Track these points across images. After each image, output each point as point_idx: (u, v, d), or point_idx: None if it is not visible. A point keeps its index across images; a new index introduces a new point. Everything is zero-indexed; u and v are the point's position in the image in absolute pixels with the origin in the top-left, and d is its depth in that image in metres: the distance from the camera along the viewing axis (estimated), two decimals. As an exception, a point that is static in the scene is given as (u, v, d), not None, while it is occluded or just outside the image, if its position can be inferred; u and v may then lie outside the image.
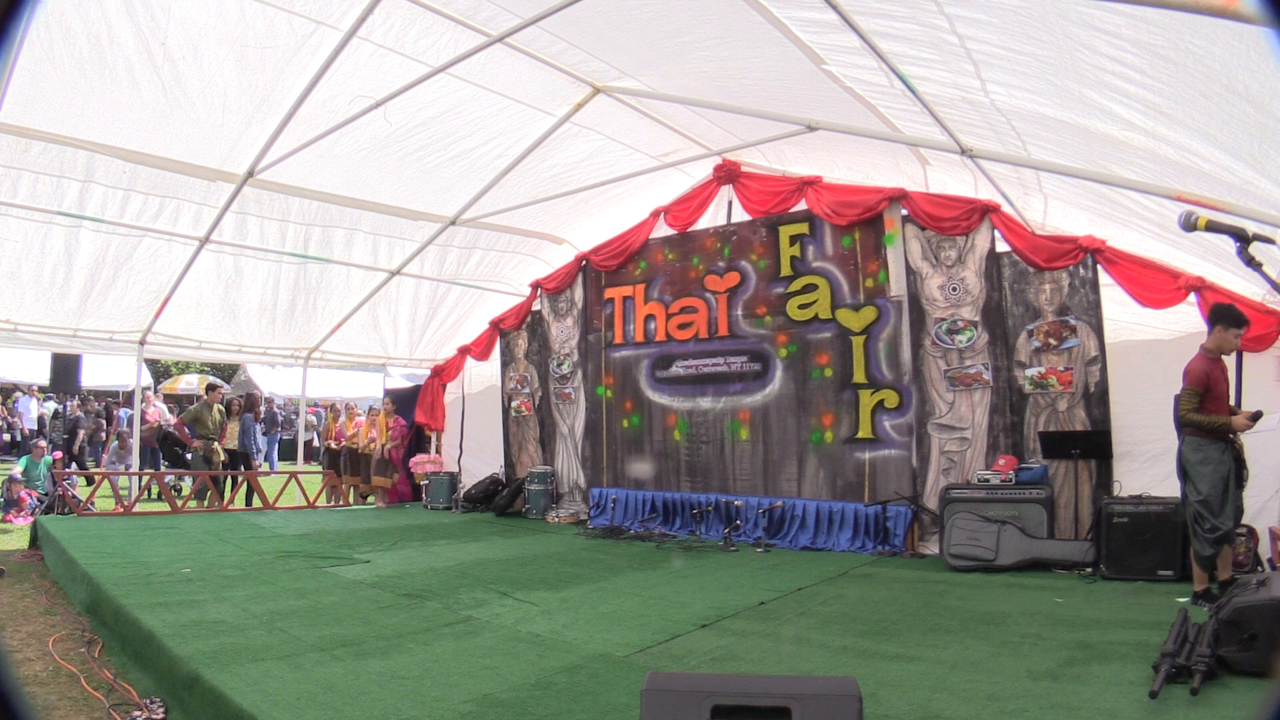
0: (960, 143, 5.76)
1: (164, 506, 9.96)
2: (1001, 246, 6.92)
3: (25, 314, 8.24)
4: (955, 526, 6.18)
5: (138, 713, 3.25)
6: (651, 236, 9.26)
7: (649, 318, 9.24)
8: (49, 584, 6.05)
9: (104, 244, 7.71)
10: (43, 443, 11.12)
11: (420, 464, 11.10)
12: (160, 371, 25.22)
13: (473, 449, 11.16)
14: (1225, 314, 4.86)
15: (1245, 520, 5.20)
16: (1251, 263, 2.24)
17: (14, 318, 8.22)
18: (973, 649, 3.87)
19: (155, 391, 18.90)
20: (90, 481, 11.28)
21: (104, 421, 17.18)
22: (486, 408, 11.03)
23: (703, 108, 6.84)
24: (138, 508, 9.60)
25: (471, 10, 5.50)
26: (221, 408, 10.94)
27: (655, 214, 9.17)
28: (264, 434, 15.84)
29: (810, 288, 8.01)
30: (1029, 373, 6.78)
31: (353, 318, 10.31)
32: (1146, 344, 6.29)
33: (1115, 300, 6.40)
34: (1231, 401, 5.02)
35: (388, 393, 11.94)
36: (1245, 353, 5.42)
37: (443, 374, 11.49)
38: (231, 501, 10.60)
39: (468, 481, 10.72)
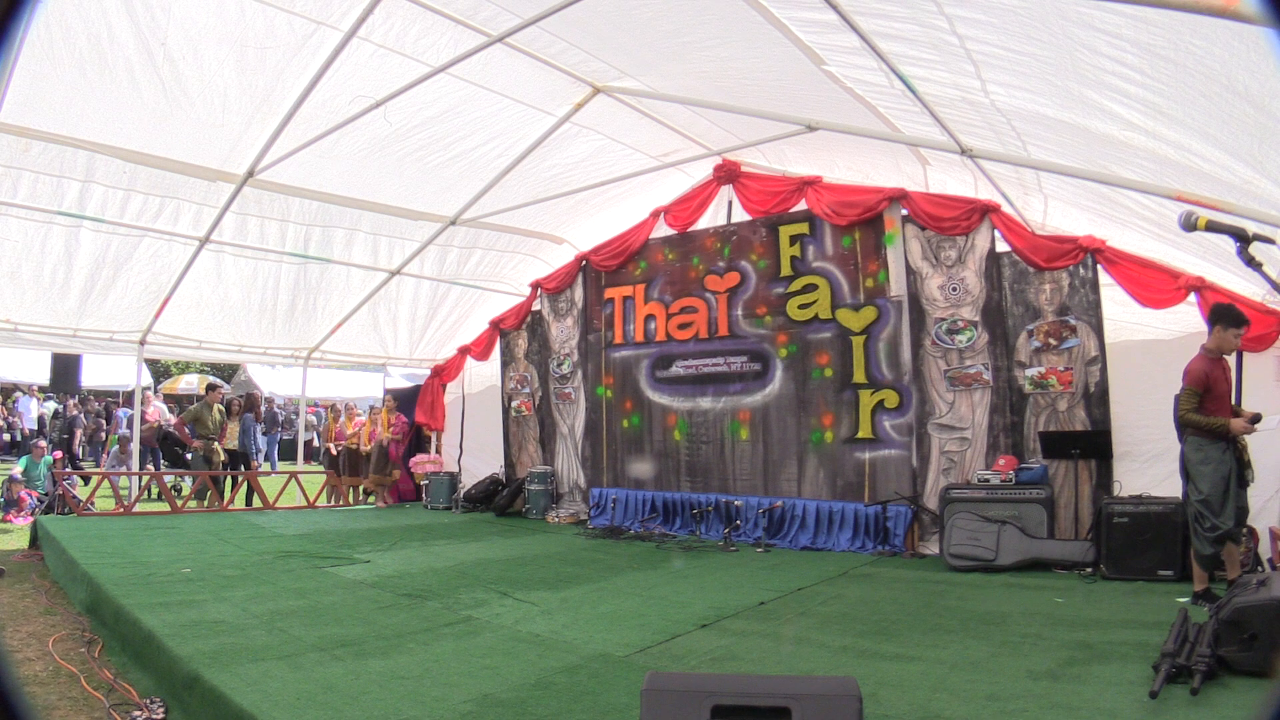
0: (960, 143, 5.76)
1: (164, 506, 9.96)
2: (1001, 246, 6.92)
3: (25, 314, 8.24)
4: (955, 526, 6.18)
5: (138, 713, 3.25)
6: (651, 236, 9.26)
7: (649, 318, 9.24)
8: (49, 584, 6.05)
9: (104, 244, 7.71)
10: (43, 443, 11.13)
11: (420, 464, 11.10)
12: (160, 371, 25.22)
13: (473, 449, 11.16)
14: (1225, 314, 4.86)
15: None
16: (1251, 263, 2.24)
17: (14, 318, 8.22)
18: (973, 649, 3.87)
19: (155, 391, 18.91)
20: (86, 481, 11.28)
21: (104, 421, 17.19)
22: (486, 408, 11.03)
23: (703, 108, 6.84)
24: (138, 508, 9.60)
25: (471, 10, 5.50)
26: (221, 408, 10.94)
27: (655, 214, 9.17)
28: (264, 434, 15.84)
29: (810, 288, 8.01)
30: (1029, 373, 6.78)
31: (353, 318, 10.31)
32: (1146, 344, 6.30)
33: (1115, 300, 6.40)
34: (1233, 402, 5.01)
35: (388, 392, 11.95)
36: (1245, 353, 5.42)
37: (443, 374, 11.49)
38: (231, 501, 10.60)
39: (468, 481, 10.72)
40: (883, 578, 5.98)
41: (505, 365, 10.76)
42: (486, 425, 10.98)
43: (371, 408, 11.92)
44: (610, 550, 7.32)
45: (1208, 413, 4.74)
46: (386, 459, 11.08)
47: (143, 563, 5.92)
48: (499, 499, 10.09)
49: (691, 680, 2.08)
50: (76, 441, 15.53)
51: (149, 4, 5.19)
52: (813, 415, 7.94)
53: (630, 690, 3.12)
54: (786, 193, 8.01)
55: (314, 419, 19.44)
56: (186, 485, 11.14)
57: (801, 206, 7.96)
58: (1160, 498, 5.68)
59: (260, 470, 13.40)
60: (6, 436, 17.79)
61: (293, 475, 11.21)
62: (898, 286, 7.47)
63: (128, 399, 17.92)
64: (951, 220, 7.06)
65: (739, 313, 8.51)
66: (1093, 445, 6.38)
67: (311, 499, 10.95)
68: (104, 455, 13.47)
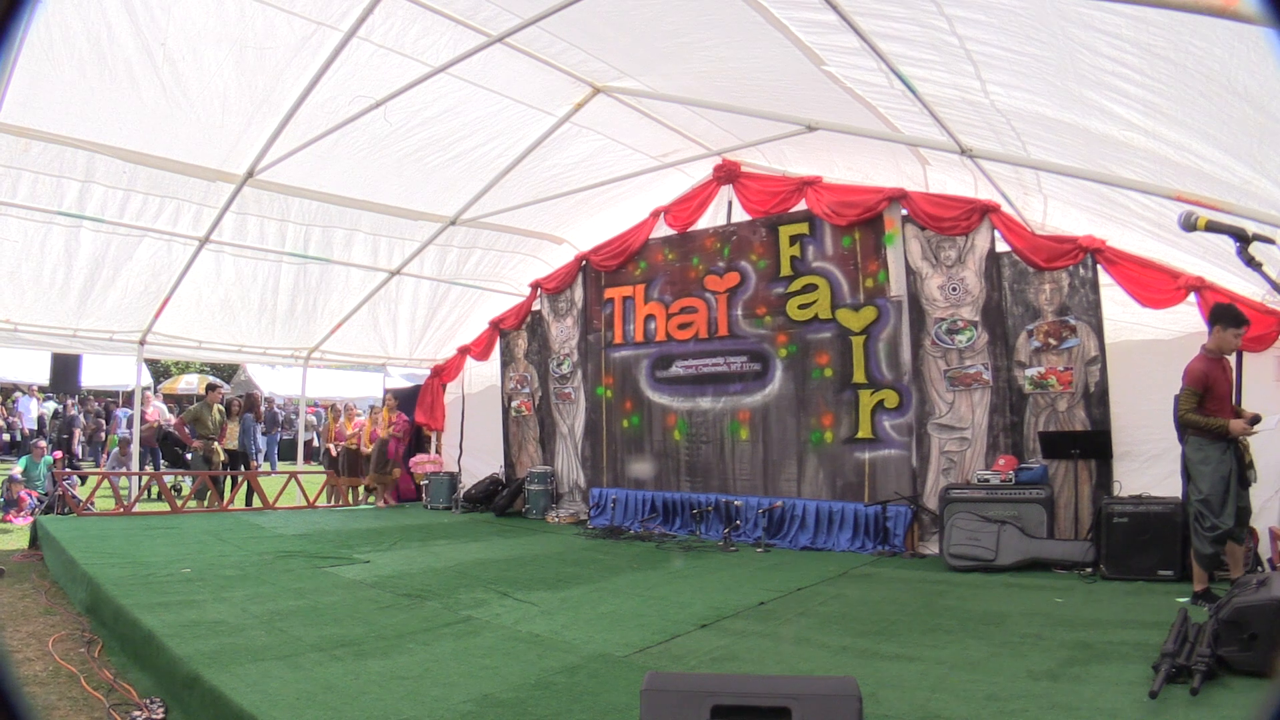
0: (960, 143, 5.76)
1: (164, 506, 9.96)
2: (1001, 246, 6.92)
3: (25, 314, 8.24)
4: (955, 526, 6.18)
5: (138, 713, 3.25)
6: (651, 236, 9.26)
7: (649, 318, 9.24)
8: (49, 584, 6.05)
9: (104, 244, 7.71)
10: (42, 443, 11.13)
11: (420, 464, 11.10)
12: (160, 371, 25.23)
13: (473, 449, 11.16)
14: (1224, 314, 4.86)
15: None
16: (1251, 263, 2.24)
17: (14, 318, 8.22)
18: (972, 649, 3.87)
19: (155, 391, 18.92)
20: (84, 480, 11.28)
21: (103, 421, 17.20)
22: (486, 408, 11.03)
23: (702, 108, 6.84)
24: (138, 508, 9.60)
25: (471, 10, 5.50)
26: (221, 408, 10.94)
27: (655, 214, 9.17)
28: (264, 434, 15.85)
29: (810, 288, 8.01)
30: (1029, 373, 6.78)
31: (353, 318, 10.31)
32: (1146, 344, 6.30)
33: (1115, 300, 6.40)
34: (1235, 403, 5.01)
35: (388, 392, 11.95)
36: (1245, 353, 5.42)
37: (443, 374, 11.49)
38: (231, 501, 10.60)
39: (467, 481, 10.72)
40: (882, 578, 5.98)
41: (505, 365, 10.76)
42: (486, 425, 10.98)
43: (372, 408, 11.92)
44: (610, 550, 7.32)
45: (1208, 413, 4.74)
46: (386, 459, 11.08)
47: (142, 563, 5.92)
48: (499, 499, 10.09)
49: (691, 680, 2.08)
50: (75, 441, 15.54)
51: (149, 4, 5.19)
52: (812, 415, 7.94)
53: (630, 690, 3.12)
54: (786, 193, 8.01)
55: (314, 419, 19.45)
56: (186, 485, 11.14)
57: (801, 206, 7.95)
58: (1160, 498, 5.68)
59: (260, 470, 13.40)
60: (6, 437, 17.80)
61: (292, 475, 11.21)
62: (897, 286, 7.47)
63: (128, 399, 17.93)
64: (951, 220, 7.06)
65: (739, 313, 8.51)
66: (1092, 445, 6.39)
67: (311, 499, 10.95)
68: (103, 456, 13.47)
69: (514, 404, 10.61)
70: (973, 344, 7.05)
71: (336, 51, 5.73)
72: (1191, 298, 5.85)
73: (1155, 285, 6.08)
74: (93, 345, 9.38)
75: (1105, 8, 3.33)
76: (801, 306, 8.05)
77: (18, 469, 10.24)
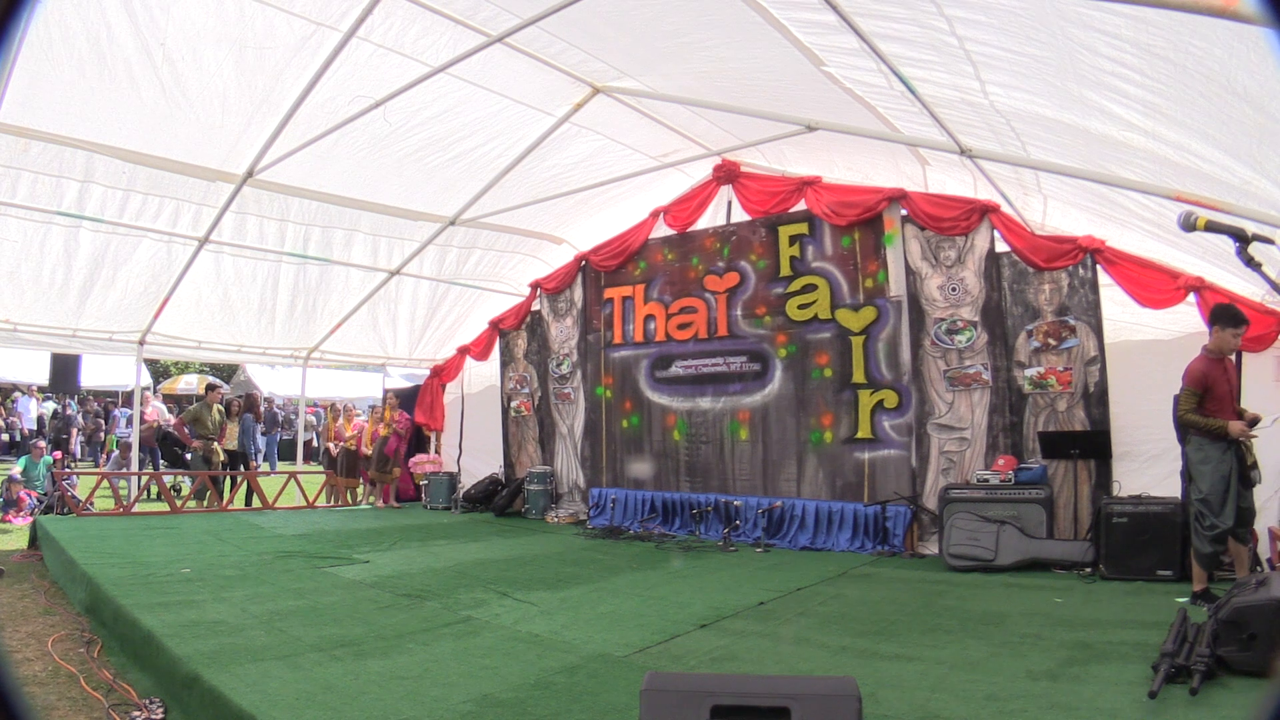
0: (959, 143, 5.76)
1: (163, 506, 9.96)
2: (1001, 247, 6.92)
3: (25, 314, 8.24)
4: (955, 526, 6.18)
5: (137, 713, 3.25)
6: (651, 236, 9.26)
7: (648, 318, 9.23)
8: (48, 584, 6.05)
9: (103, 244, 7.71)
10: (42, 443, 11.13)
11: (420, 464, 11.10)
12: (160, 371, 25.22)
13: (472, 449, 11.16)
14: (1224, 314, 4.86)
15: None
16: (1251, 263, 2.24)
17: (13, 318, 8.21)
18: (972, 649, 3.87)
19: (154, 392, 18.91)
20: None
21: (102, 421, 17.20)
22: (486, 408, 11.03)
23: (702, 108, 6.84)
24: (137, 508, 9.60)
25: (471, 10, 5.50)
26: (221, 408, 10.92)
27: (655, 214, 9.17)
28: (263, 434, 15.84)
29: (810, 288, 8.02)
30: (1028, 373, 6.78)
31: (352, 318, 10.31)
32: (1146, 344, 6.30)
33: (1115, 300, 6.40)
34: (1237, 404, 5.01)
35: (388, 392, 11.95)
36: (1245, 353, 5.43)
37: (442, 374, 11.49)
38: (231, 502, 10.59)
39: (467, 481, 10.72)
40: (882, 578, 5.98)
41: (504, 365, 10.76)
42: (486, 425, 10.98)
43: (372, 408, 11.91)
44: (609, 550, 7.32)
45: (1208, 413, 4.74)
46: (386, 458, 11.08)
47: (142, 563, 5.92)
48: (498, 499, 10.09)
49: (691, 680, 2.08)
50: (73, 441, 15.53)
51: (148, 4, 5.18)
52: (812, 415, 7.94)
53: (630, 690, 3.12)
54: (786, 193, 8.01)
55: (313, 419, 19.45)
56: (186, 485, 11.13)
57: (801, 207, 7.95)
58: (1160, 498, 5.69)
59: (259, 470, 13.39)
60: (5, 437, 17.80)
61: (292, 475, 11.20)
62: (897, 287, 7.47)
63: (127, 399, 17.92)
64: (951, 220, 7.06)
65: (738, 313, 8.51)
66: (1092, 445, 6.39)
67: (311, 499, 10.94)
68: (102, 456, 13.46)
69: (513, 404, 10.61)
70: (972, 344, 7.05)
71: (336, 51, 5.73)
72: (1191, 298, 5.86)
73: (1155, 285, 6.09)
74: (92, 345, 9.38)
75: (1105, 8, 3.33)
76: (801, 306, 8.05)
77: (17, 469, 10.24)
